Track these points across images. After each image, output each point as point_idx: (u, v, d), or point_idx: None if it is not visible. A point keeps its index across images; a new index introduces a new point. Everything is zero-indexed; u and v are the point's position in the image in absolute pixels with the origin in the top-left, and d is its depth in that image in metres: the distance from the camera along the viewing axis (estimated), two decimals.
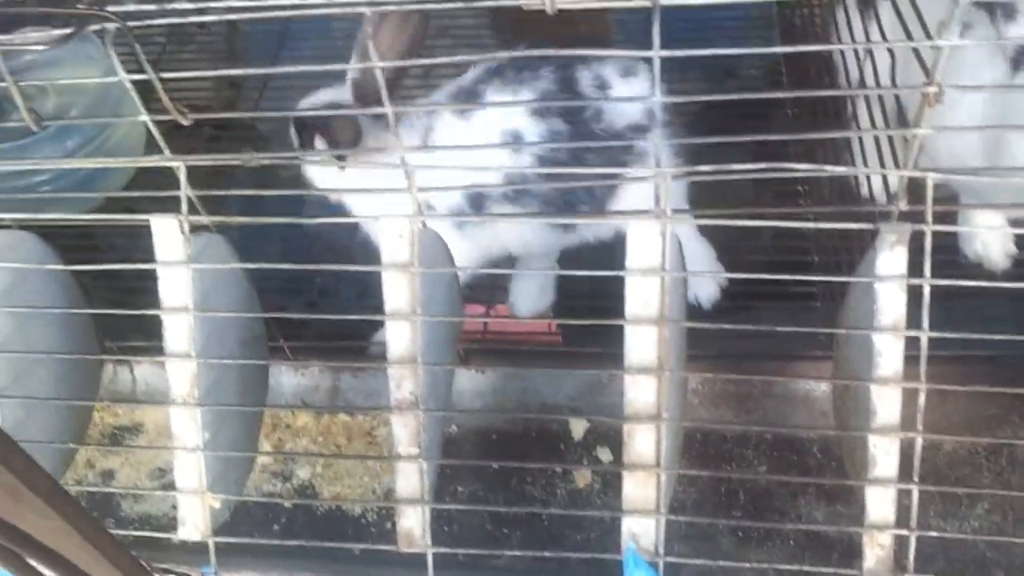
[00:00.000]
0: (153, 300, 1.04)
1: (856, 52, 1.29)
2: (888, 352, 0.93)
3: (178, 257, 0.98)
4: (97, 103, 1.53)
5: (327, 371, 1.34)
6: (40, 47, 0.84)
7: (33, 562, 0.62)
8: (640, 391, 0.94)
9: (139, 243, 1.41)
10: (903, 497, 0.95)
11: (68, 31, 0.80)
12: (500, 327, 1.48)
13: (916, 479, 0.94)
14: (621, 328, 0.93)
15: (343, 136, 1.27)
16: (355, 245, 1.57)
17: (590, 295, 1.13)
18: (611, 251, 1.10)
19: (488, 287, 1.50)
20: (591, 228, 1.33)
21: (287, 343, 1.29)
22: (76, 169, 1.48)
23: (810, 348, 1.24)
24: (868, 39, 1.18)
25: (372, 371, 1.31)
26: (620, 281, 0.93)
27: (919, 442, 0.93)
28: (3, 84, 1.36)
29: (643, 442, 0.95)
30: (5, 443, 0.58)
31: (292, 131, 1.32)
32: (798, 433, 1.27)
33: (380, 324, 0.98)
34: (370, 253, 1.52)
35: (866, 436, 0.95)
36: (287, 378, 1.34)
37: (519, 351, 1.36)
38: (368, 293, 1.60)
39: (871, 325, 0.93)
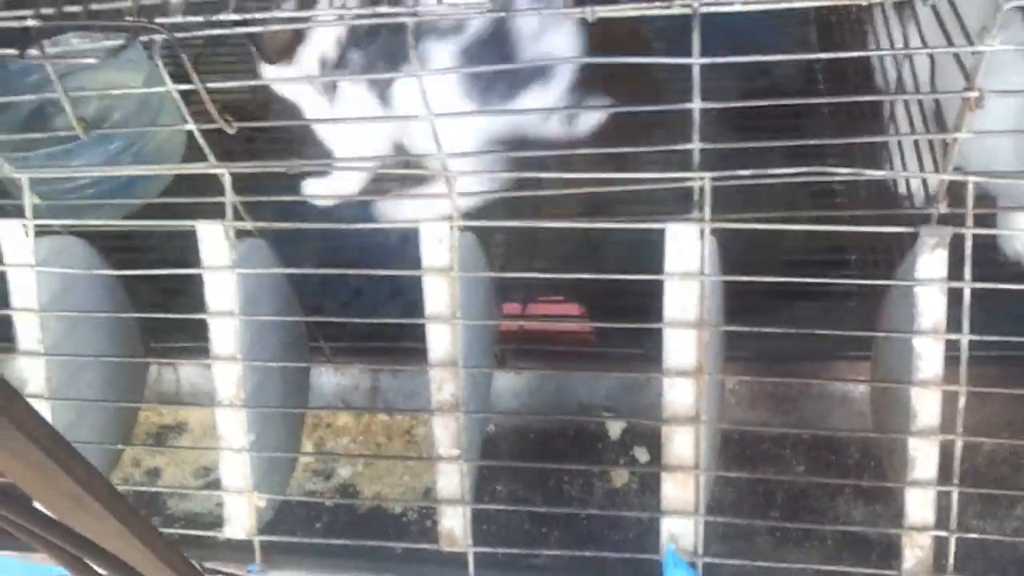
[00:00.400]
0: (193, 300, 1.06)
1: (894, 51, 1.28)
2: (928, 355, 0.93)
3: (224, 262, 1.00)
4: (139, 106, 1.55)
5: (367, 371, 1.36)
6: (91, 60, 0.86)
7: (94, 565, 0.64)
8: (679, 393, 0.95)
9: (176, 243, 1.44)
10: (942, 498, 0.95)
11: (118, 43, 0.82)
12: (534, 325, 1.48)
13: (956, 481, 0.95)
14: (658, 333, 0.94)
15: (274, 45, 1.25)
16: (388, 244, 1.59)
17: (621, 292, 1.14)
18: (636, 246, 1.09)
19: (522, 285, 1.49)
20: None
21: (327, 344, 1.31)
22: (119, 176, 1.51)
23: (847, 348, 1.24)
24: (906, 39, 1.18)
25: (411, 371, 1.32)
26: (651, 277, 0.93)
27: (959, 445, 0.94)
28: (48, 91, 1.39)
29: (682, 444, 0.96)
30: (67, 450, 0.60)
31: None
32: (836, 433, 1.27)
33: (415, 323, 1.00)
34: (403, 252, 1.55)
35: (905, 438, 0.95)
36: (327, 378, 1.36)
37: (555, 352, 1.37)
38: (401, 292, 1.63)
39: (911, 328, 0.93)
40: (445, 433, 1.01)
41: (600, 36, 1.24)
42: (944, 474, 0.94)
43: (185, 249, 1.44)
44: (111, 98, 1.58)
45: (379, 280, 1.61)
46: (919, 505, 0.96)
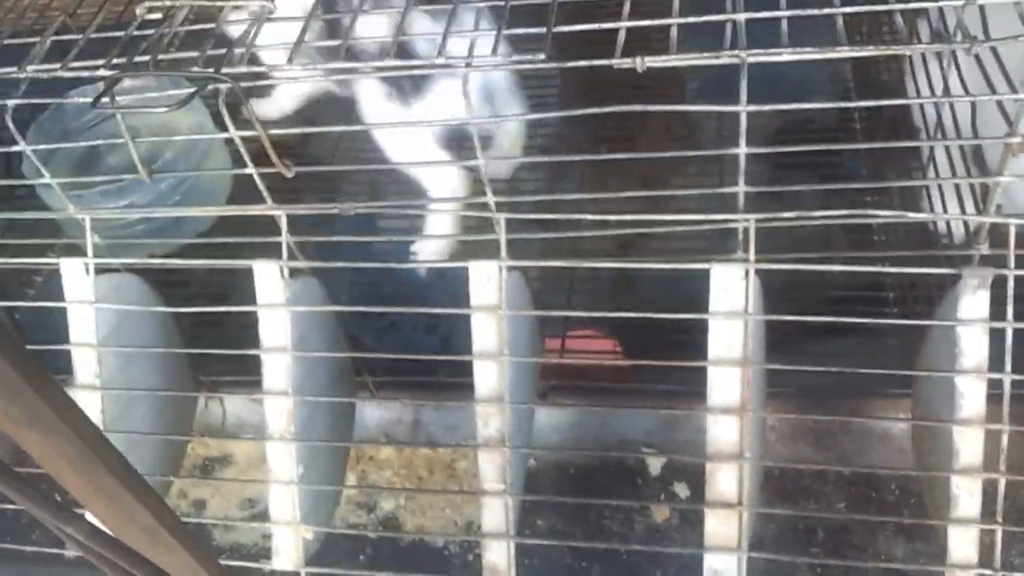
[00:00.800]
0: (237, 331, 1.08)
1: (933, 91, 1.30)
2: (970, 394, 0.94)
3: (278, 300, 1.03)
4: (189, 145, 1.59)
5: (409, 404, 1.38)
6: (160, 110, 0.89)
7: None
8: (722, 431, 0.97)
9: (216, 278, 1.46)
10: (984, 536, 0.95)
11: (187, 93, 0.86)
12: (573, 357, 1.50)
13: (1000, 519, 0.95)
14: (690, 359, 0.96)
15: None
16: (424, 276, 1.62)
17: (657, 327, 1.15)
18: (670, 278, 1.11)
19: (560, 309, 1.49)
20: None
21: (370, 377, 1.34)
22: (169, 207, 1.55)
23: (888, 384, 1.25)
24: (945, 79, 1.19)
25: (453, 405, 1.34)
26: (687, 311, 0.95)
27: (1003, 483, 0.94)
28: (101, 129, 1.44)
29: (725, 480, 0.98)
30: (140, 483, 0.63)
31: None
32: (877, 470, 1.27)
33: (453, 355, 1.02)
34: (438, 284, 1.57)
35: (948, 476, 0.96)
36: (370, 411, 1.39)
37: (595, 387, 1.39)
38: (436, 326, 1.65)
39: (952, 367, 0.94)
40: (491, 468, 1.03)
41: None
42: (987, 512, 0.95)
43: (226, 284, 1.48)
44: (162, 136, 1.62)
45: (410, 320, 1.63)
46: (962, 543, 0.96)
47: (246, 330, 1.09)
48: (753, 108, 0.84)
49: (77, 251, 1.12)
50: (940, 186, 1.29)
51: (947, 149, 1.29)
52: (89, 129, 1.76)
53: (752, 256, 0.94)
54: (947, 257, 0.99)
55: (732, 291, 0.94)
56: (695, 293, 0.98)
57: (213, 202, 1.66)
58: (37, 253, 1.21)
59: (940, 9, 1.13)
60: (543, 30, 0.89)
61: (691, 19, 0.88)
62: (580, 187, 1.77)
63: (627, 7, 0.92)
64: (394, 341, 1.62)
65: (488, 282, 0.99)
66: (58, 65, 0.98)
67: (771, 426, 1.29)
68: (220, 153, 1.65)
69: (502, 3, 0.94)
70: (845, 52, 0.82)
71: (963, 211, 1.14)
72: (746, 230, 0.94)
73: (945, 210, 1.25)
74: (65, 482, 0.55)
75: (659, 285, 1.50)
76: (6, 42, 1.07)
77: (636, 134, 1.80)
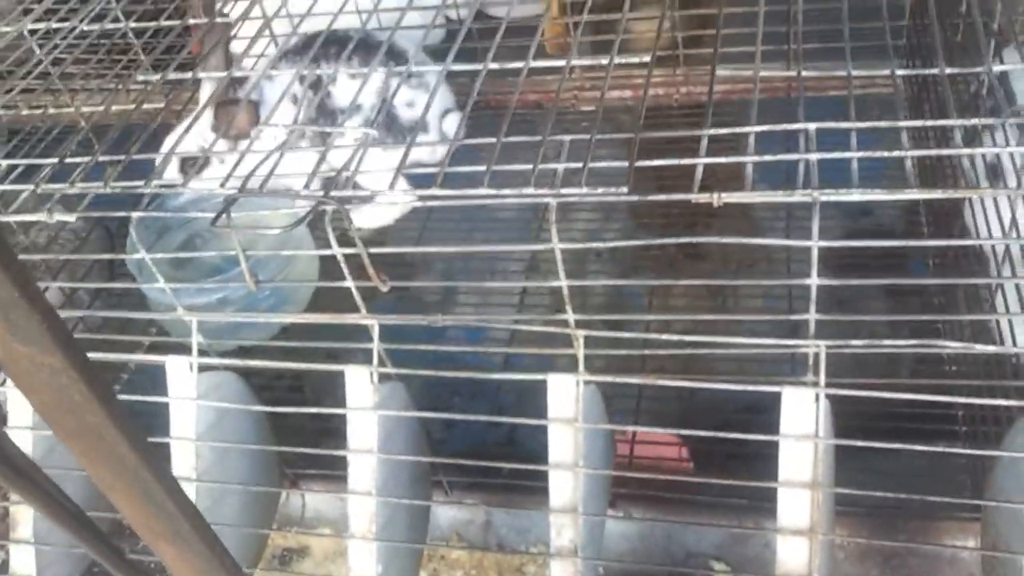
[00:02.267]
0: (311, 421, 1.13)
1: (1001, 217, 1.32)
2: None
3: (367, 404, 1.09)
4: (279, 244, 1.69)
5: (481, 505, 1.42)
6: (274, 230, 0.97)
7: None
8: (791, 552, 0.99)
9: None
10: None
11: (301, 217, 0.94)
12: (640, 463, 1.53)
13: None
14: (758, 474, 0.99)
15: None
16: (489, 367, 1.66)
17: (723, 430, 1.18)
18: None
19: (630, 411, 1.52)
20: None
21: (445, 477, 1.38)
22: (262, 302, 1.64)
23: (956, 508, 1.25)
24: (1013, 211, 1.22)
25: (525, 508, 1.38)
26: (750, 414, 0.99)
27: None
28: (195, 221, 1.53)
29: None
30: None
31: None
32: None
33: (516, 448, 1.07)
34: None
35: None
36: (443, 510, 1.43)
37: (664, 499, 1.41)
38: (498, 423, 1.68)
39: (1023, 497, 0.96)
40: None
41: None
42: None
43: (299, 376, 1.55)
44: (252, 233, 1.72)
45: (478, 408, 1.68)
46: None
47: (319, 420, 1.15)
48: (824, 243, 0.88)
49: (170, 347, 1.19)
50: (1008, 309, 1.31)
51: (1011, 263, 1.30)
52: (186, 224, 1.88)
53: (823, 381, 0.97)
54: (1016, 388, 1.01)
55: (803, 414, 0.97)
56: (757, 396, 1.01)
57: (300, 298, 1.75)
58: (127, 348, 1.28)
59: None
60: (625, 164, 0.95)
61: (767, 157, 0.94)
62: (648, 289, 1.83)
63: (704, 143, 0.98)
64: (460, 435, 1.67)
65: (566, 395, 1.04)
66: (180, 182, 1.07)
67: (839, 544, 1.30)
68: (308, 253, 1.74)
69: (587, 136, 1.01)
70: (915, 194, 0.87)
71: None
72: (816, 355, 0.98)
73: (1014, 338, 1.26)
74: None
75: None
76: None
77: (703, 233, 1.85)
